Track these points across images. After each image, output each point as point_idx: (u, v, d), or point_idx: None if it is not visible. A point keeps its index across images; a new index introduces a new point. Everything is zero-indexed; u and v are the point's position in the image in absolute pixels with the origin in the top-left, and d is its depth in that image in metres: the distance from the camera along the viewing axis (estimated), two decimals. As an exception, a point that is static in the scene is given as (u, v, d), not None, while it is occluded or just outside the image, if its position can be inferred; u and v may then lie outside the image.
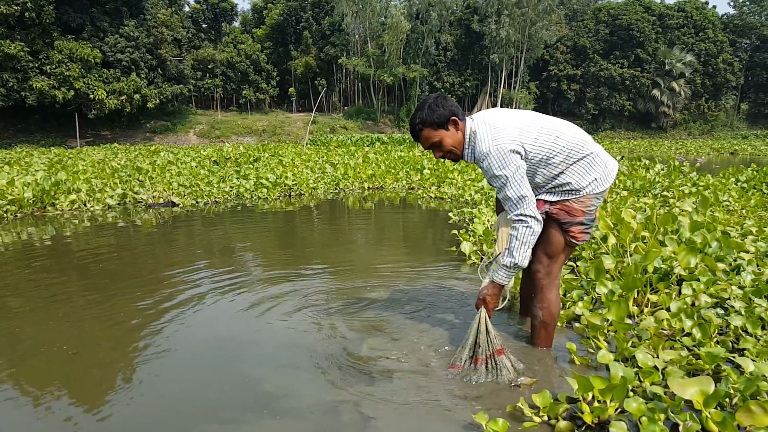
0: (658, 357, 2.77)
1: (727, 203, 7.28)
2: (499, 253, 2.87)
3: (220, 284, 4.60)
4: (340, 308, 3.93)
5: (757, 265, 4.10)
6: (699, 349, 2.80)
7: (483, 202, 8.60)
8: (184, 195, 10.03)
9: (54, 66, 32.87)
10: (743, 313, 3.19)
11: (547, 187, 2.82)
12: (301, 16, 51.91)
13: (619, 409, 2.32)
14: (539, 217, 2.69)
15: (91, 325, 3.69)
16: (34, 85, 32.23)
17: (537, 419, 2.32)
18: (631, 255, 4.13)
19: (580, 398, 2.34)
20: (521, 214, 2.66)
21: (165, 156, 18.04)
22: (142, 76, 37.47)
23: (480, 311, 2.83)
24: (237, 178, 11.85)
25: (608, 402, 2.29)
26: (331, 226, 7.84)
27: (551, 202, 2.82)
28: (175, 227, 7.59)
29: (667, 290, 3.69)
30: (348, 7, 47.78)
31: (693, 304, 3.46)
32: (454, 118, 2.74)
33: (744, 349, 2.86)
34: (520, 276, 3.63)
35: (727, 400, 2.32)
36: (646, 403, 2.23)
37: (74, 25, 34.89)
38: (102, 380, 2.88)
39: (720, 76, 55.97)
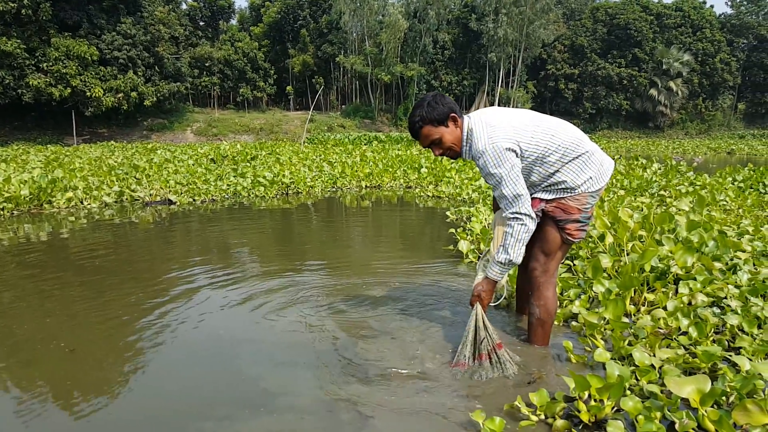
0: (654, 356, 2.77)
1: (724, 203, 7.29)
2: (492, 250, 2.90)
3: (217, 282, 4.60)
4: (338, 306, 3.93)
5: (754, 265, 4.11)
6: (695, 348, 2.81)
7: (480, 200, 8.61)
8: (181, 193, 10.01)
9: (51, 63, 32.73)
10: (739, 312, 3.20)
11: (542, 186, 2.84)
12: (299, 14, 51.81)
13: (616, 408, 2.33)
14: (533, 215, 2.72)
15: (88, 322, 3.68)
16: (30, 83, 32.08)
17: (534, 418, 2.32)
18: (628, 254, 4.13)
19: (577, 397, 2.35)
20: (517, 212, 2.68)
21: (162, 154, 18.00)
22: (139, 73, 37.33)
23: (476, 307, 2.85)
24: (234, 176, 11.83)
25: (605, 401, 2.29)
26: (328, 224, 7.84)
27: (547, 200, 2.84)
28: (172, 225, 7.58)
29: (663, 289, 3.70)
30: (346, 6, 47.70)
31: (690, 303, 3.47)
32: (453, 115, 2.77)
33: (740, 347, 2.87)
34: (515, 274, 3.64)
35: (723, 398, 2.32)
36: (643, 402, 2.24)
37: (71, 23, 34.74)
38: (99, 377, 2.88)
39: (717, 76, 56.03)
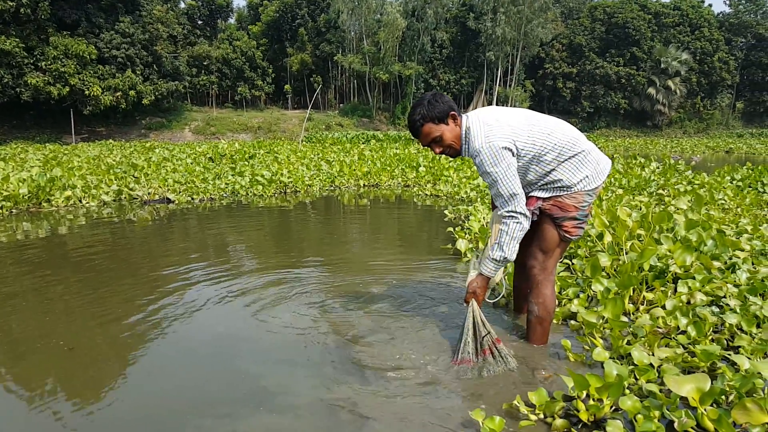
0: (653, 355, 2.77)
1: (723, 202, 7.29)
2: (487, 247, 2.92)
3: (216, 281, 4.59)
4: (336, 305, 3.93)
5: (752, 264, 4.11)
6: (694, 347, 2.81)
7: (478, 199, 8.60)
8: (180, 192, 10.00)
9: (49, 62, 32.70)
10: (738, 311, 3.20)
11: (539, 184, 2.87)
12: (297, 12, 51.77)
13: (615, 407, 2.33)
14: (528, 213, 2.77)
15: (87, 320, 3.68)
16: (29, 81, 32.04)
17: (533, 417, 2.32)
18: (626, 253, 4.13)
19: (576, 396, 2.35)
20: (512, 211, 2.73)
21: (160, 152, 17.98)
22: (138, 72, 37.30)
23: (472, 304, 2.88)
24: (232, 175, 11.81)
25: (604, 400, 2.29)
26: (326, 223, 7.83)
27: (544, 199, 2.88)
28: (170, 224, 7.57)
29: (662, 288, 3.70)
30: (344, 4, 47.69)
31: (688, 302, 3.47)
32: (453, 113, 2.81)
33: (739, 346, 2.87)
34: (512, 272, 3.64)
35: (722, 397, 2.32)
36: (642, 401, 2.24)
37: (69, 22, 34.71)
38: (98, 376, 2.87)
39: (715, 75, 56.10)
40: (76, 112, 35.55)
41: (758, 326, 3.08)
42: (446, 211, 7.61)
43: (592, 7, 56.89)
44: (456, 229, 6.14)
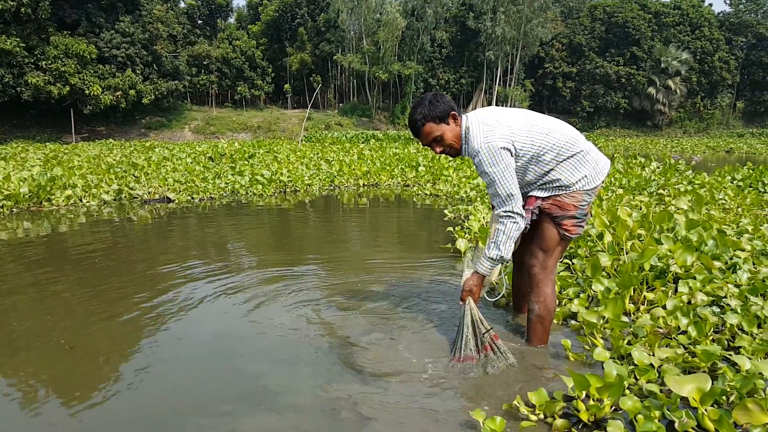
0: (654, 355, 2.77)
1: (723, 201, 7.29)
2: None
3: (216, 280, 4.59)
4: (336, 304, 3.93)
5: (753, 264, 4.11)
6: (695, 347, 2.80)
7: (478, 199, 8.60)
8: (180, 191, 10.00)
9: (49, 61, 32.70)
10: (739, 311, 3.19)
11: (538, 184, 2.89)
12: (297, 12, 51.76)
13: (615, 407, 2.32)
14: (524, 214, 2.81)
15: (88, 319, 3.68)
16: (29, 81, 32.04)
17: (534, 417, 2.32)
18: (627, 253, 4.13)
19: (576, 396, 2.34)
20: (509, 211, 2.76)
21: (160, 152, 17.97)
22: (138, 71, 37.30)
23: (469, 302, 2.90)
24: (232, 175, 11.81)
25: (604, 400, 2.29)
26: (326, 222, 7.83)
27: (543, 198, 2.90)
28: (170, 223, 7.57)
29: (663, 288, 3.69)
30: (343, 4, 47.66)
31: (689, 302, 3.46)
32: (453, 113, 2.83)
33: (740, 347, 2.86)
34: (511, 271, 3.64)
35: (723, 397, 2.32)
36: (642, 401, 2.23)
37: (70, 21, 34.71)
38: (98, 374, 2.87)
39: (716, 74, 56.08)
40: (76, 111, 35.56)
41: (759, 326, 3.08)
42: (446, 211, 7.61)
43: (592, 6, 56.86)
44: (455, 228, 6.14)
